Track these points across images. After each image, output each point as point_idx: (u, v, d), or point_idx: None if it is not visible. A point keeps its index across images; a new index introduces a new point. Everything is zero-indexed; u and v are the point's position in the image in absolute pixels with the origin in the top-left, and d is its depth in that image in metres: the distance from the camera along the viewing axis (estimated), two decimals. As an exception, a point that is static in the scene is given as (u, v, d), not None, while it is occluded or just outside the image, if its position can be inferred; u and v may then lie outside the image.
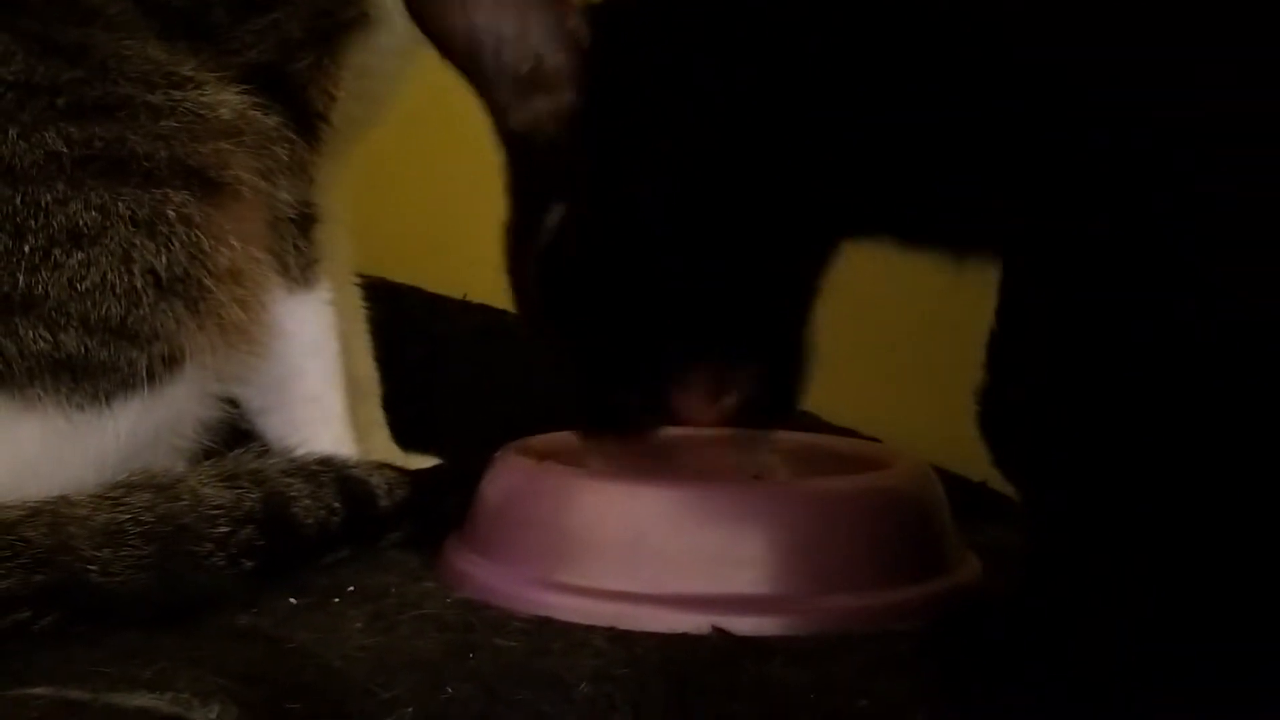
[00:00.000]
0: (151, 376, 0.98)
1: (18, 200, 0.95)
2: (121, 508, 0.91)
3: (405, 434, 1.20)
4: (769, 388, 0.89)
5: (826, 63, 0.82)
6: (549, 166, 0.90)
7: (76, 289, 0.96)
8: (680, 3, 0.89)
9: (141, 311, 0.97)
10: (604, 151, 0.88)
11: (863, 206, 0.86)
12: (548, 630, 0.85)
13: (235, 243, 1.01)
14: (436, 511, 1.01)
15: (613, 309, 0.88)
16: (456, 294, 1.43)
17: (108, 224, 0.97)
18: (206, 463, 0.99)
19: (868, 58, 0.81)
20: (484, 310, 1.35)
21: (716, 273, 0.86)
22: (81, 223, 0.96)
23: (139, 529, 0.90)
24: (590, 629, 0.85)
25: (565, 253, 0.89)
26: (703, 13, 0.88)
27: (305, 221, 1.07)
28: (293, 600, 0.90)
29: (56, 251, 0.96)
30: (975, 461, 0.84)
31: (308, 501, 0.97)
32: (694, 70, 0.86)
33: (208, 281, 0.99)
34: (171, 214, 0.98)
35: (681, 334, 0.88)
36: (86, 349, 0.96)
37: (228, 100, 1.02)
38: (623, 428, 0.92)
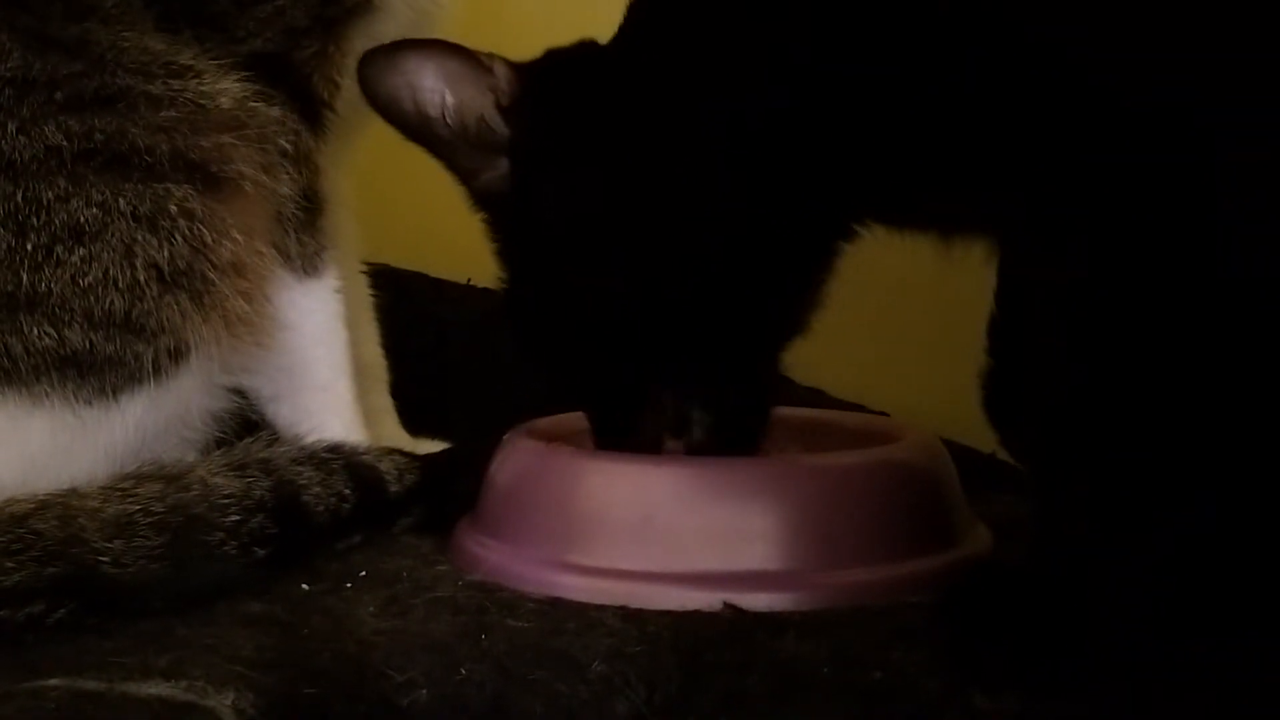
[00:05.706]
0: (158, 370, 0.98)
1: (19, 197, 0.95)
2: (132, 499, 0.91)
3: (413, 419, 1.20)
4: (724, 426, 0.91)
5: (825, 52, 0.83)
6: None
7: (80, 285, 0.96)
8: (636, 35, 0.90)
9: (145, 306, 0.97)
10: (542, 202, 0.91)
11: (847, 199, 0.87)
12: (560, 610, 0.85)
13: (238, 235, 1.01)
14: (447, 495, 1.02)
15: (575, 353, 0.92)
16: (461, 279, 1.43)
17: (109, 219, 0.97)
18: (216, 452, 0.99)
19: (859, 50, 0.81)
20: (488, 294, 1.34)
21: (670, 309, 0.88)
22: (83, 219, 0.96)
23: (150, 520, 0.90)
24: (602, 608, 0.85)
25: (523, 302, 0.94)
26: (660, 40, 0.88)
27: (311, 211, 1.07)
28: (305, 586, 0.91)
29: (59, 248, 0.96)
30: (984, 433, 0.85)
31: (318, 489, 0.97)
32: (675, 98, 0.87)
33: (211, 274, 0.99)
34: (173, 208, 0.98)
35: (636, 370, 0.90)
36: (92, 344, 0.96)
37: (228, 89, 1.02)
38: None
